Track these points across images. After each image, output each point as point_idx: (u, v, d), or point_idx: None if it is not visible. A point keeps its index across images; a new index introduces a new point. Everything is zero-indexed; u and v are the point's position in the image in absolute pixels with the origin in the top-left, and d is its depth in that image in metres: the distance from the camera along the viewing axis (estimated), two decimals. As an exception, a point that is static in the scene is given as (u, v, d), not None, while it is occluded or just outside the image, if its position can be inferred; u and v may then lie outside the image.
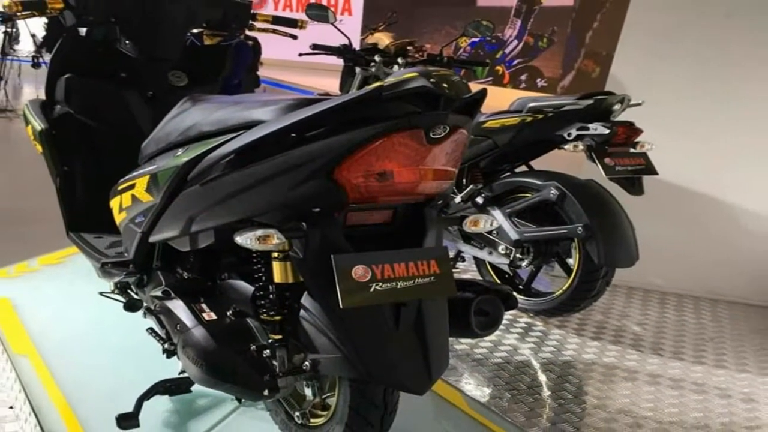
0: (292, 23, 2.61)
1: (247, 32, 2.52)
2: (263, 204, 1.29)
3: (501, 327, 2.21)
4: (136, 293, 1.86)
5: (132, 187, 1.64)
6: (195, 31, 2.39)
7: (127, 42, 2.12)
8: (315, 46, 3.23)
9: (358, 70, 3.32)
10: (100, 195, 1.89)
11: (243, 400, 1.85)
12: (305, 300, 1.32)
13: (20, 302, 2.39)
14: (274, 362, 1.35)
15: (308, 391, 1.57)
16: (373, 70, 3.24)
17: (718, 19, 3.27)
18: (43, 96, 2.19)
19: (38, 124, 2.12)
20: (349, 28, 3.93)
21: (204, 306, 1.51)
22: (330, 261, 1.20)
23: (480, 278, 3.06)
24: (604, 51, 11.48)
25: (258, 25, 2.49)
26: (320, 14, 3.06)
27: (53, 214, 2.22)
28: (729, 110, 3.30)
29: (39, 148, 2.15)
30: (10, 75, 7.72)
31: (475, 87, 1.31)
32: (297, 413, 1.63)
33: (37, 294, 2.50)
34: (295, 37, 2.75)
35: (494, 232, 2.77)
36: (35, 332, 2.19)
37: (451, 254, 2.97)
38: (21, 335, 2.17)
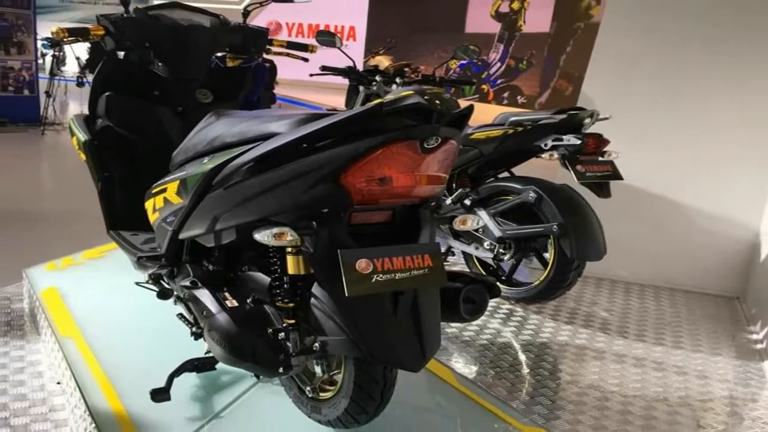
0: (304, 48, 2.60)
1: (265, 55, 2.51)
2: (278, 205, 1.28)
3: (486, 313, 2.21)
4: (168, 283, 1.86)
5: (164, 190, 1.64)
6: (219, 54, 2.39)
7: (159, 64, 2.12)
8: (324, 68, 3.23)
9: (361, 88, 3.33)
10: (136, 197, 1.89)
11: (261, 377, 1.85)
12: (315, 289, 1.32)
13: (66, 291, 2.39)
14: (288, 344, 1.35)
15: (318, 369, 1.57)
16: (375, 88, 3.24)
17: (677, 44, 3.27)
18: (86, 111, 2.19)
19: (82, 136, 2.12)
20: (354, 52, 3.92)
21: (227, 294, 1.51)
22: (337, 255, 1.20)
23: (468, 270, 3.06)
24: (576, 72, 11.47)
25: (274, 49, 2.48)
26: (328, 40, 3.05)
27: (95, 214, 2.22)
28: (687, 124, 3.30)
29: (83, 156, 2.15)
30: (58, 93, 7.72)
31: (463, 103, 1.31)
32: (308, 388, 1.63)
33: (82, 284, 2.49)
34: (306, 60, 2.74)
35: (480, 230, 2.78)
36: (80, 317, 2.19)
37: (443, 249, 2.97)
38: (67, 320, 2.17)
